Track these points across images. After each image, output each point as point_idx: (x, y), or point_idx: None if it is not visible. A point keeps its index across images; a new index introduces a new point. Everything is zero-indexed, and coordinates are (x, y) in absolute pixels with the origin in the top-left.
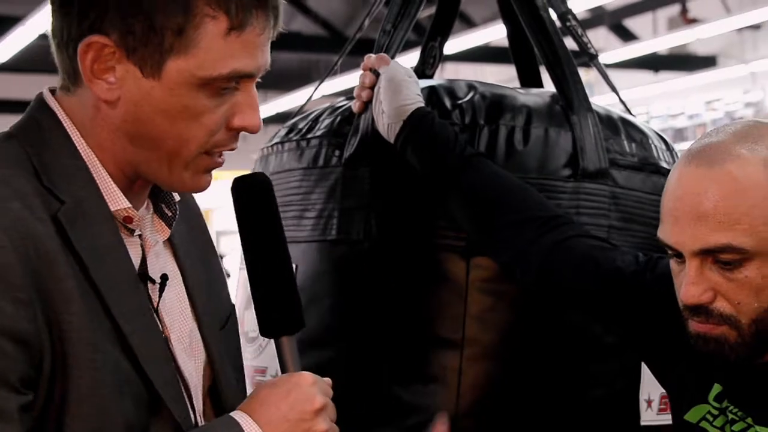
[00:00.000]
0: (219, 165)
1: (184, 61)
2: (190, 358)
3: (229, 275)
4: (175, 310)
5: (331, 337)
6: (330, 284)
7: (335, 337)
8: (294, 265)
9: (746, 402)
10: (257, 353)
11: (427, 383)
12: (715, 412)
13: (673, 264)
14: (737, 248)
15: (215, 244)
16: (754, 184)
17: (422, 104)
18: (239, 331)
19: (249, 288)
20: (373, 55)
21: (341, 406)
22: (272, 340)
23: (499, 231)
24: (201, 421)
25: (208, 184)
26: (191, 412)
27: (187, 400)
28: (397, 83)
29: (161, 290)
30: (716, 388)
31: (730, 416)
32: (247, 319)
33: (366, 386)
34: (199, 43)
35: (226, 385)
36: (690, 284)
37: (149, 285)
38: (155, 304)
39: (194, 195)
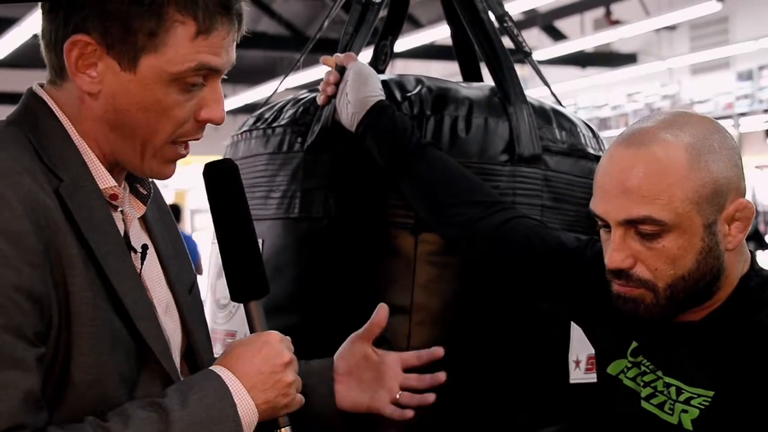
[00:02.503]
0: (184, 156)
1: (156, 58)
2: (169, 320)
3: None
4: (154, 277)
5: (294, 304)
6: (293, 257)
7: (298, 304)
8: (260, 240)
9: (656, 356)
10: (228, 318)
11: (380, 345)
12: (630, 365)
13: (602, 233)
14: (656, 220)
15: (190, 221)
16: (675, 164)
17: (383, 98)
18: (212, 299)
19: (220, 259)
20: (341, 54)
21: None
22: (242, 305)
23: (448, 209)
24: (180, 378)
25: (173, 173)
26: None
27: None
28: (364, 78)
29: (143, 258)
30: (633, 345)
31: (643, 368)
32: (218, 288)
33: (325, 348)
34: (168, 43)
35: (199, 344)
36: (614, 251)
37: (132, 255)
38: (138, 270)
39: (174, 176)
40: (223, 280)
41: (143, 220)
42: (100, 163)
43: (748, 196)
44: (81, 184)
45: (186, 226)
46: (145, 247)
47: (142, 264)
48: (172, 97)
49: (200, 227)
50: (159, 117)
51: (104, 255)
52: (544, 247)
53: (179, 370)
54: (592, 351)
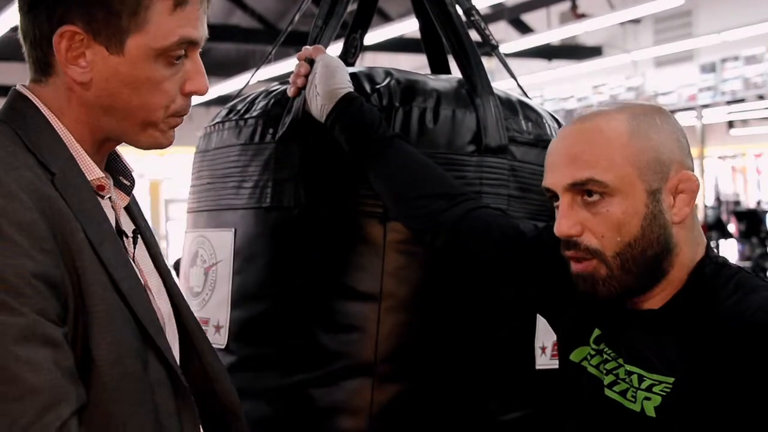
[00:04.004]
0: (180, 122)
1: (141, 37)
2: (163, 303)
3: None
4: (145, 262)
5: (266, 292)
6: (265, 245)
7: (269, 291)
8: (233, 229)
9: (617, 344)
10: (201, 306)
11: (350, 332)
12: (593, 353)
13: (555, 210)
14: (599, 181)
15: (164, 211)
16: (617, 133)
17: (352, 89)
18: (185, 287)
19: (193, 248)
20: (310, 47)
21: (274, 353)
22: (214, 294)
23: (412, 201)
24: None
25: (173, 139)
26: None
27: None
28: (332, 69)
29: (135, 243)
30: (596, 332)
31: (605, 356)
32: (192, 276)
33: (295, 335)
34: (150, 20)
35: (192, 326)
36: (561, 218)
37: (124, 240)
38: (132, 255)
39: (148, 166)
40: (196, 269)
41: (127, 209)
42: (86, 155)
43: (710, 186)
44: (70, 176)
45: (160, 216)
46: (135, 232)
47: (134, 248)
48: (160, 72)
49: (174, 217)
50: (151, 93)
51: (100, 243)
52: (504, 236)
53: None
54: None
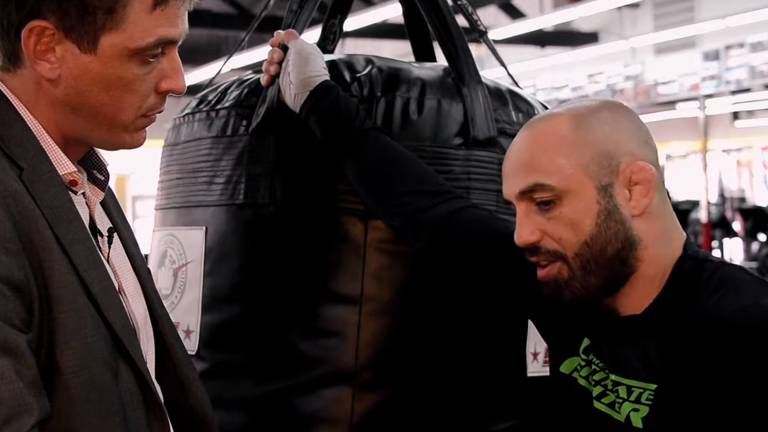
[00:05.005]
0: (152, 122)
1: (116, 36)
2: (139, 306)
3: None
4: (122, 262)
5: (239, 294)
6: (238, 245)
7: (243, 294)
8: (203, 227)
9: (603, 353)
10: (170, 309)
11: (329, 337)
12: (583, 363)
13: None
14: (545, 185)
15: (131, 208)
16: (557, 133)
17: (328, 77)
18: None
19: (161, 248)
20: (282, 32)
21: (248, 359)
22: (184, 296)
23: (393, 198)
24: (146, 360)
25: (144, 140)
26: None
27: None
28: (306, 56)
29: (110, 242)
30: (585, 342)
31: (593, 367)
32: (160, 277)
33: (271, 340)
34: (127, 19)
35: (168, 331)
36: (519, 227)
37: (99, 238)
38: (106, 255)
39: (114, 161)
40: (165, 270)
41: (103, 205)
42: (58, 149)
43: (714, 182)
44: (40, 171)
45: (127, 214)
46: (111, 231)
47: (109, 248)
48: (133, 71)
49: (142, 214)
50: (123, 94)
51: (70, 243)
52: (493, 238)
53: (147, 358)
54: None
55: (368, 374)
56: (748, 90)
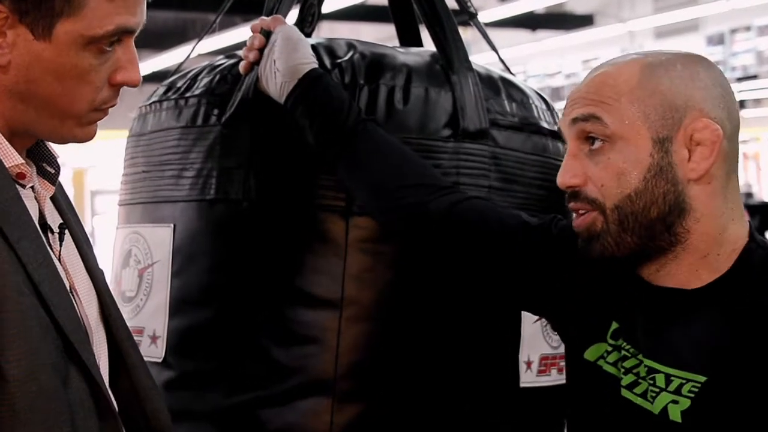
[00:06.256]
0: (105, 115)
1: (73, 23)
2: (91, 308)
3: None
4: (74, 261)
5: (210, 298)
6: (208, 244)
7: (213, 297)
8: (171, 225)
9: (637, 336)
10: (135, 313)
11: (306, 344)
12: (610, 349)
13: None
14: (599, 118)
15: (90, 203)
16: (628, 75)
17: (316, 65)
18: (117, 292)
19: (125, 247)
20: (266, 17)
21: (218, 367)
22: (150, 299)
23: (393, 193)
24: (99, 365)
25: (95, 133)
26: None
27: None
28: (295, 42)
29: (61, 239)
30: (614, 326)
31: (623, 353)
32: (124, 278)
33: (244, 348)
34: (86, 5)
35: (122, 335)
36: (564, 168)
37: (50, 235)
38: (57, 253)
39: (72, 154)
40: (129, 270)
41: (54, 201)
42: (3, 139)
43: None
44: None
45: (86, 210)
46: (62, 227)
47: (61, 245)
48: (88, 61)
49: (102, 211)
50: (76, 84)
51: (18, 239)
52: (503, 226)
53: (99, 363)
54: (546, 350)
55: (348, 384)
56: (755, 77)
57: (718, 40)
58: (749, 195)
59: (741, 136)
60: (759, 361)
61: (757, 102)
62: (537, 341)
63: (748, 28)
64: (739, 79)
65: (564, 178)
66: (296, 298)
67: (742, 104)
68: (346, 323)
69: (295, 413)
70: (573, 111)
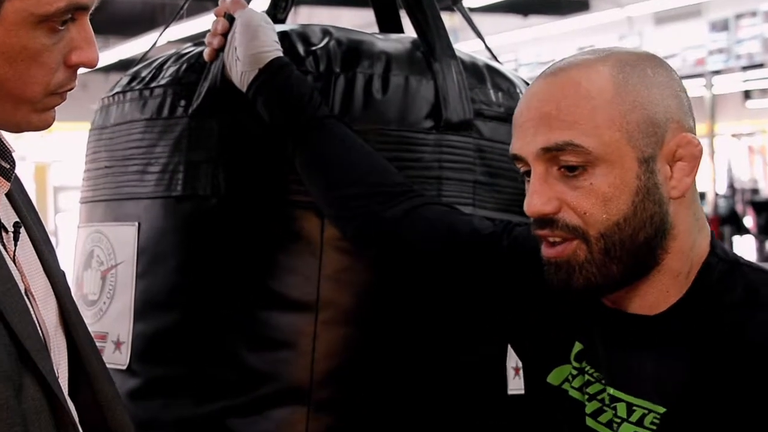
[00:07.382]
0: (63, 101)
1: (21, 0)
2: (49, 313)
3: None
4: (30, 262)
5: (177, 300)
6: (175, 243)
7: (181, 299)
8: (136, 223)
9: (600, 360)
10: (98, 317)
11: (279, 349)
12: (575, 373)
13: (526, 184)
14: (578, 146)
15: (53, 200)
16: (599, 88)
17: (280, 53)
18: (78, 295)
19: (87, 247)
20: (227, 0)
21: (186, 374)
22: (114, 302)
23: (346, 201)
24: (58, 374)
25: (53, 120)
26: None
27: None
28: (254, 28)
29: (16, 239)
30: (576, 347)
31: (587, 377)
32: (86, 280)
33: (213, 353)
34: None
35: (83, 342)
36: (533, 193)
37: (3, 235)
38: (11, 253)
39: (32, 148)
40: (92, 272)
41: (9, 197)
42: None
43: (722, 171)
44: None
45: (48, 207)
46: (17, 225)
47: (15, 245)
48: (40, 41)
49: (66, 208)
50: (28, 66)
51: None
52: (453, 236)
53: (58, 372)
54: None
55: (325, 392)
56: (761, 65)
57: (722, 26)
58: (755, 191)
59: (746, 128)
60: (717, 392)
61: (763, 92)
62: None
63: (754, 14)
64: (744, 68)
65: (534, 206)
66: (269, 301)
67: (748, 94)
68: (321, 327)
69: (268, 423)
70: (539, 136)
